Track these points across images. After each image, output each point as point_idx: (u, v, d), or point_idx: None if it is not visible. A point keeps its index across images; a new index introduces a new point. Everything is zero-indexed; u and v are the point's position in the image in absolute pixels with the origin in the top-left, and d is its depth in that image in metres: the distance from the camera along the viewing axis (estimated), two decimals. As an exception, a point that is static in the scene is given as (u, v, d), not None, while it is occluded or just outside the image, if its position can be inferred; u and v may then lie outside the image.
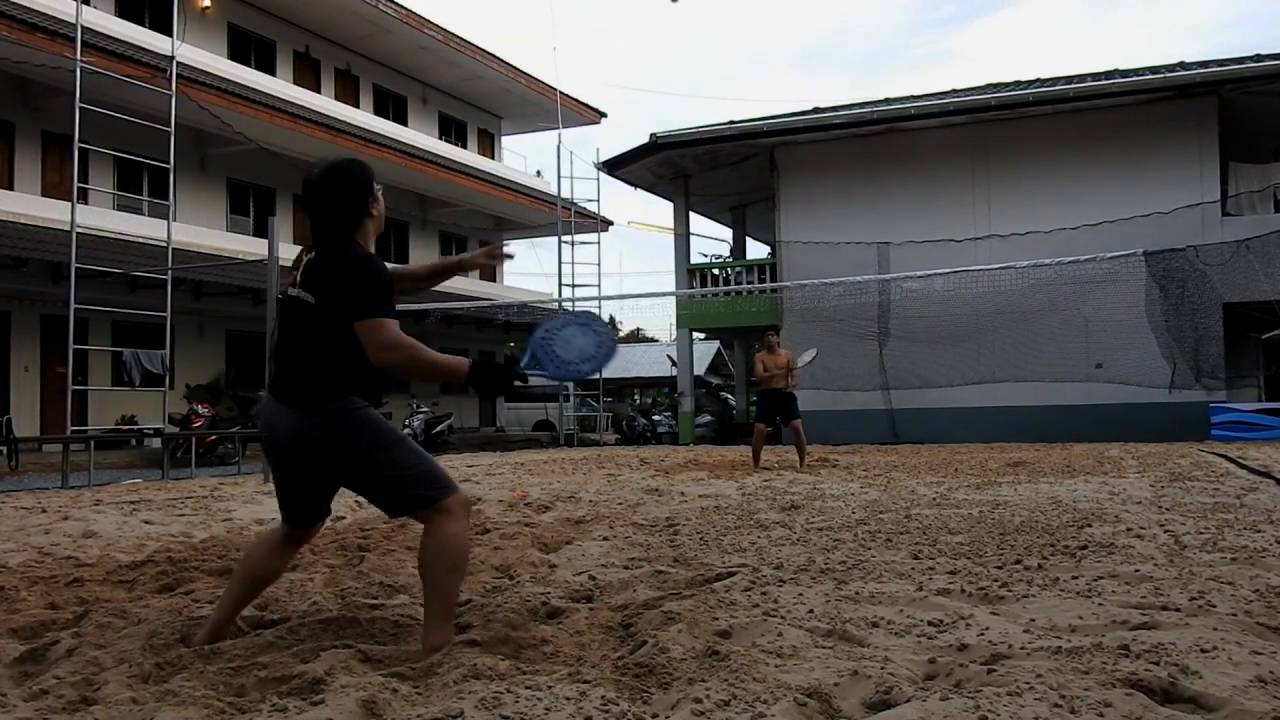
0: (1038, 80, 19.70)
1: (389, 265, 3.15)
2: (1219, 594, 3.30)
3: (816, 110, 20.53)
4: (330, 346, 2.79)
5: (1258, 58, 17.27)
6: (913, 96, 20.11)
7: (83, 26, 12.47)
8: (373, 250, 2.94)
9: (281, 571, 3.15)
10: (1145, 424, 16.27)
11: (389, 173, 23.55)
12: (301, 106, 21.32)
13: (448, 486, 2.85)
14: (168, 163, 13.15)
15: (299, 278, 2.87)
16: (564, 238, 23.17)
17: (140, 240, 16.49)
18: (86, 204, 16.26)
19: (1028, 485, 7.90)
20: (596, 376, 23.65)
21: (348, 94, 25.33)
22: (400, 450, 2.83)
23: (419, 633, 2.98)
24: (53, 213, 16.16)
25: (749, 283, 20.54)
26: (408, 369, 2.78)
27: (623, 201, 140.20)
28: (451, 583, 2.83)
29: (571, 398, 24.22)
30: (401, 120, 26.71)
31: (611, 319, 41.02)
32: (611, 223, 29.07)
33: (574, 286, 23.15)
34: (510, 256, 3.62)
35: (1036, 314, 16.87)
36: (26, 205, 16.48)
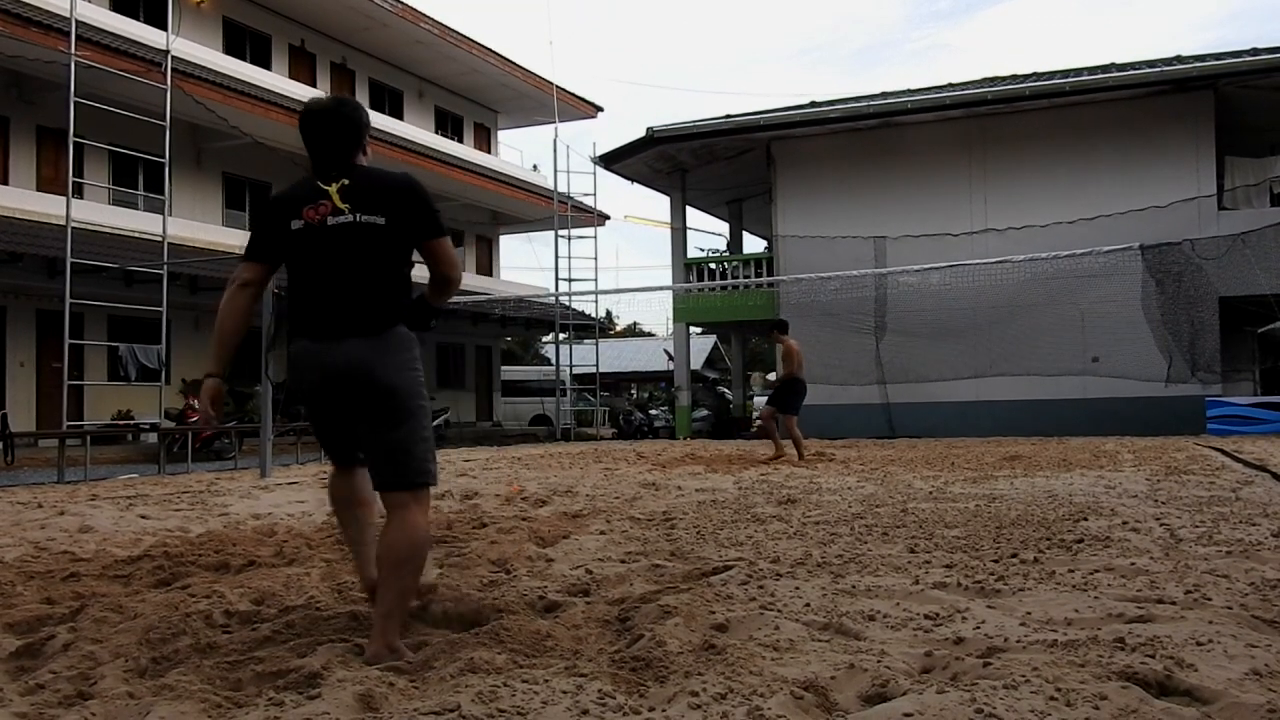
0: (1034, 74, 19.70)
1: None
2: (1214, 587, 3.31)
3: (813, 104, 20.51)
4: (397, 270, 2.84)
5: (1254, 51, 17.26)
6: (909, 90, 20.10)
7: (77, 20, 12.44)
8: None
9: (364, 486, 3.02)
10: (1141, 418, 16.29)
11: (385, 167, 23.45)
12: (297, 100, 21.21)
13: (436, 474, 2.86)
14: (163, 157, 13.13)
15: (341, 204, 2.78)
16: (561, 232, 23.15)
17: (136, 235, 16.45)
18: (82, 199, 16.23)
19: (1024, 479, 7.92)
20: (594, 370, 23.67)
21: (343, 88, 25.24)
22: (427, 415, 2.85)
23: (414, 626, 2.98)
24: (48, 207, 16.11)
25: (746, 277, 20.54)
26: (459, 284, 2.98)
27: (620, 196, 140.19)
28: (416, 580, 2.82)
29: (569, 392, 24.22)
30: (397, 114, 26.64)
31: (608, 313, 41.10)
32: (608, 217, 29.06)
33: (571, 281, 23.18)
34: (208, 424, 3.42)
35: (1033, 308, 16.89)
36: (21, 200, 16.43)
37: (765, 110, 20.53)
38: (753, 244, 26.56)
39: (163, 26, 15.19)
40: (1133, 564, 3.80)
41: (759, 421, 11.39)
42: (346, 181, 2.83)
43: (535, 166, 31.35)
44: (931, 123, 18.76)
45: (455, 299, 20.24)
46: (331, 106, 2.97)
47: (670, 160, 21.53)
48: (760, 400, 11.40)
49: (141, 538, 5.33)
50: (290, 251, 2.85)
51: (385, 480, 2.80)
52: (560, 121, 24.87)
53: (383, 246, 2.79)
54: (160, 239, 13.17)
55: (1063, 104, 17.76)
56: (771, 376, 11.45)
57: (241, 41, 22.60)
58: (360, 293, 2.77)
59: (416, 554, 2.74)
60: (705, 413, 23.75)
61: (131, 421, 16.30)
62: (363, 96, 25.69)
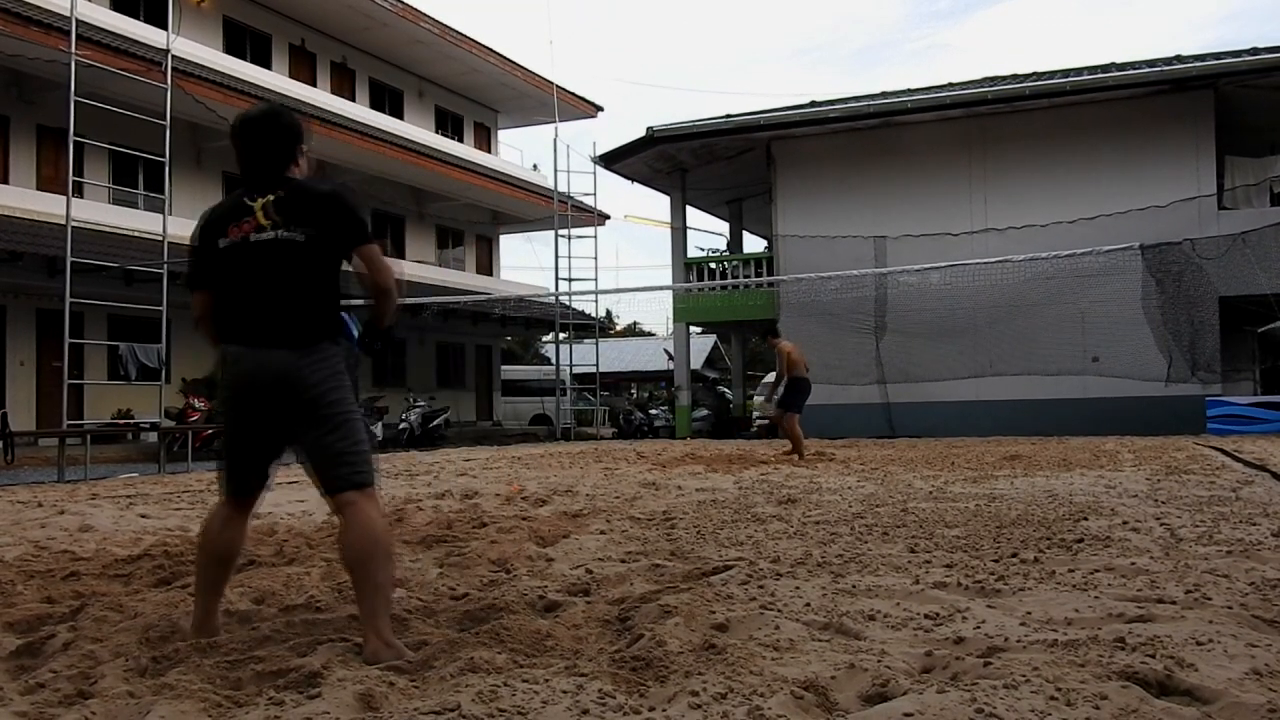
0: (1034, 74, 19.70)
1: None
2: (1215, 587, 3.31)
3: (813, 104, 20.51)
4: (322, 284, 2.84)
5: (1254, 51, 17.26)
6: (909, 90, 20.09)
7: (77, 20, 12.42)
8: None
9: (241, 545, 3.03)
10: (1141, 417, 16.29)
11: (385, 166, 23.52)
12: (297, 100, 21.22)
13: (375, 472, 2.88)
14: (163, 156, 13.11)
15: (265, 220, 2.81)
16: (561, 231, 23.14)
17: (136, 234, 16.44)
18: (82, 198, 16.22)
19: (1024, 479, 7.92)
20: (595, 369, 23.68)
21: (343, 87, 25.25)
22: (360, 423, 2.87)
23: (415, 626, 2.99)
24: (48, 206, 16.10)
25: (746, 277, 20.54)
26: (396, 291, 2.93)
27: (620, 195, 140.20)
28: (388, 571, 2.81)
29: (569, 392, 24.22)
30: (398, 114, 26.64)
31: (608, 313, 41.09)
32: (608, 216, 29.05)
33: (571, 280, 23.18)
34: None
35: (1033, 307, 16.89)
36: (21, 199, 16.43)
37: (765, 110, 20.53)
38: (753, 244, 26.56)
39: (163, 26, 15.17)
40: (1133, 564, 3.80)
41: (759, 423, 11.43)
42: (273, 196, 2.85)
43: (535, 166, 31.38)
44: (931, 122, 18.75)
45: (455, 299, 20.08)
46: (265, 116, 2.99)
47: (670, 160, 21.53)
48: (759, 399, 11.44)
49: (141, 537, 5.33)
50: (219, 268, 2.89)
51: (331, 483, 2.81)
52: (560, 121, 24.89)
53: (307, 261, 2.81)
54: (160, 238, 13.15)
55: (1062, 104, 17.76)
56: (769, 378, 11.43)
57: (242, 41, 22.60)
58: (286, 307, 2.81)
59: (378, 547, 2.75)
60: (705, 412, 23.74)
61: (131, 421, 16.29)
62: (363, 96, 25.70)
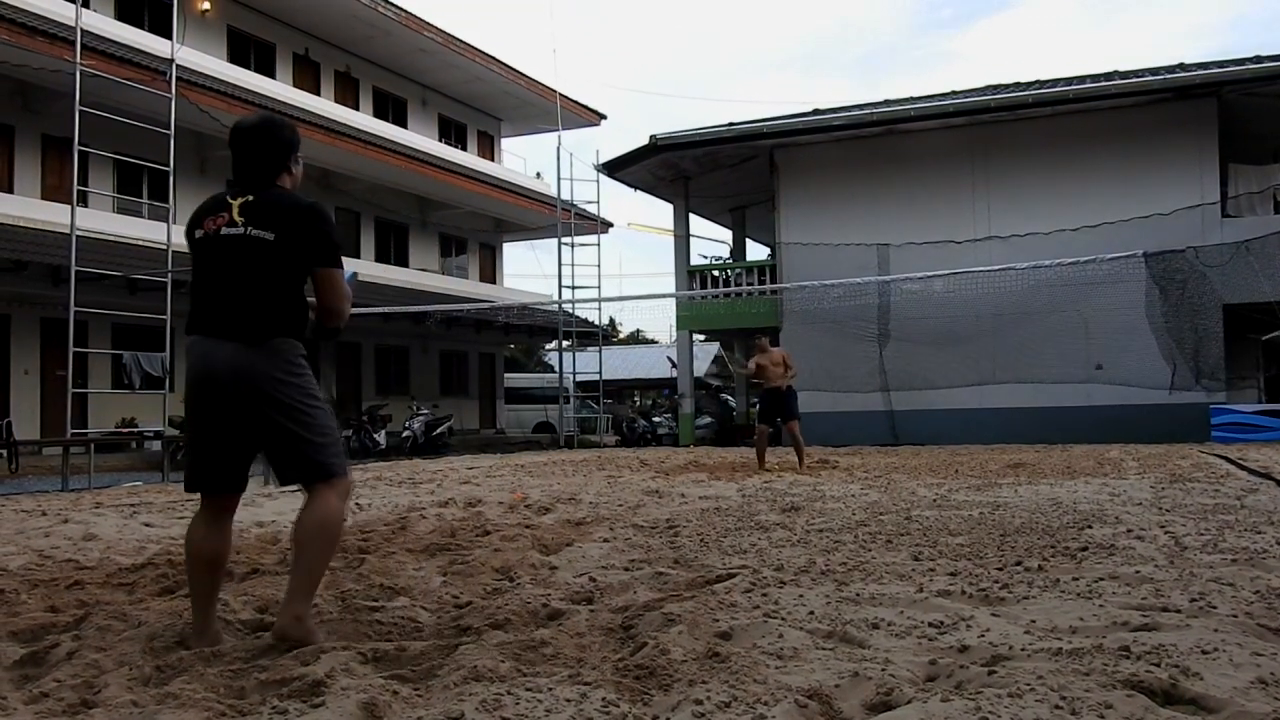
0: (1037, 82, 19.70)
1: None
2: (1220, 595, 3.30)
3: (816, 112, 20.52)
4: (282, 284, 2.88)
5: (1257, 59, 17.28)
6: (913, 98, 20.10)
7: (82, 29, 12.47)
8: None
9: (227, 551, 3.07)
10: (1145, 425, 16.25)
11: (389, 175, 23.57)
12: (301, 109, 21.31)
13: (345, 464, 2.94)
14: (167, 165, 13.15)
15: (237, 217, 2.90)
16: (564, 239, 23.15)
17: (140, 243, 16.48)
18: (86, 207, 16.27)
19: (1028, 487, 7.90)
20: (598, 377, 23.68)
21: (347, 96, 25.33)
22: (323, 414, 2.92)
23: (419, 634, 2.98)
24: (52, 215, 16.16)
25: (749, 284, 20.54)
26: (346, 316, 3.02)
27: (623, 203, 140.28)
28: (325, 559, 2.91)
29: (572, 400, 24.21)
30: (401, 122, 26.71)
31: (611, 321, 41.06)
32: (611, 224, 29.08)
33: (574, 288, 23.16)
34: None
35: (1036, 315, 16.87)
36: (26, 208, 16.48)
37: (768, 118, 20.57)
38: (756, 251, 26.57)
39: (167, 35, 15.22)
40: (1137, 572, 3.79)
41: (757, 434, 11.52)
42: (251, 198, 2.94)
43: (539, 174, 31.42)
44: (934, 130, 18.77)
45: (458, 307, 20.12)
46: (258, 125, 3.08)
47: (673, 168, 21.55)
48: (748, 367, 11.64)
49: (145, 546, 5.34)
50: (193, 259, 2.99)
51: (297, 476, 2.91)
52: (563, 129, 24.90)
53: (268, 260, 2.87)
54: (164, 247, 13.18)
55: (1065, 112, 17.76)
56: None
57: (246, 50, 22.68)
58: (243, 301, 2.88)
59: (323, 532, 2.85)
60: (708, 420, 23.74)
61: (135, 429, 16.31)
62: (367, 105, 25.78)
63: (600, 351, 24.88)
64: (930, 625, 2.98)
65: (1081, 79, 19.15)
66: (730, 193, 23.18)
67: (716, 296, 20.96)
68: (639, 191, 23.37)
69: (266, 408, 2.82)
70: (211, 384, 2.85)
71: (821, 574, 3.94)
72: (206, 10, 21.30)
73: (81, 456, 11.68)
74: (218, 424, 2.88)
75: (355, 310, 3.16)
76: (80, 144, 12.15)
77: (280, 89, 21.78)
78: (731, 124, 20.61)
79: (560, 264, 22.99)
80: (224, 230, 2.90)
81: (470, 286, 27.50)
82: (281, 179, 3.04)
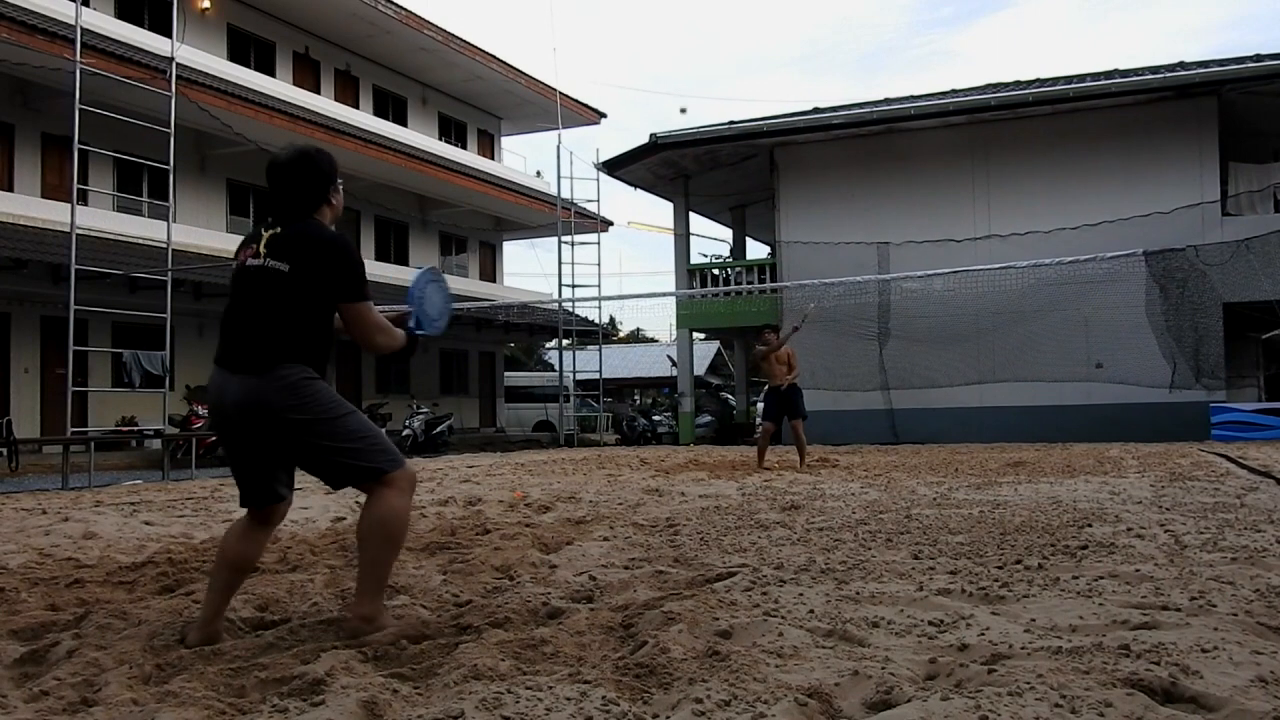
0: (1037, 80, 19.70)
1: None
2: (1219, 594, 3.30)
3: (816, 110, 20.53)
4: (296, 316, 2.87)
5: (1257, 58, 17.27)
6: (913, 96, 20.10)
7: (82, 28, 12.46)
8: None
9: (258, 556, 3.15)
10: (1145, 424, 16.27)
11: (389, 173, 23.55)
12: (301, 108, 21.31)
13: (395, 460, 2.93)
14: (167, 164, 13.15)
15: (263, 249, 2.90)
16: (564, 238, 23.16)
17: (140, 241, 16.48)
18: (86, 205, 16.27)
19: (1028, 485, 7.90)
20: (598, 375, 23.69)
21: (347, 95, 25.32)
22: (352, 420, 2.91)
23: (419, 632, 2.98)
24: (52, 214, 16.16)
25: (749, 283, 20.54)
26: (388, 348, 3.02)
27: (623, 202, 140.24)
28: (387, 557, 2.91)
29: (572, 398, 24.21)
30: (401, 121, 26.70)
31: (611, 320, 41.14)
32: (611, 223, 29.08)
33: (574, 287, 23.17)
34: None
35: (1036, 314, 16.88)
36: (26, 207, 16.48)
37: (768, 116, 20.57)
38: (756, 250, 26.57)
39: (167, 34, 15.22)
40: (1137, 570, 3.79)
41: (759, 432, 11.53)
42: (279, 230, 2.93)
43: (539, 173, 31.42)
44: (935, 129, 18.77)
45: (458, 306, 20.11)
46: (291, 160, 3.03)
47: (673, 166, 21.56)
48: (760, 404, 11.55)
49: (145, 544, 5.33)
50: (229, 290, 3.04)
51: (344, 483, 2.97)
52: (563, 128, 24.91)
53: (281, 291, 2.87)
54: (164, 245, 13.18)
55: (1066, 110, 17.76)
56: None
57: (246, 48, 22.67)
58: (252, 332, 2.89)
59: (380, 529, 2.86)
60: (708, 418, 23.75)
61: (135, 428, 16.31)
62: (366, 103, 25.77)
63: (600, 350, 24.89)
64: (930, 624, 2.98)
65: (1082, 78, 19.15)
66: (730, 191, 23.19)
67: (716, 295, 20.96)
68: (639, 190, 23.39)
69: (285, 433, 2.84)
70: (226, 418, 2.90)
71: (821, 572, 3.94)
72: (206, 9, 21.28)
73: (81, 455, 11.68)
74: (242, 451, 2.94)
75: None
76: (80, 142, 12.14)
77: (280, 87, 21.77)
78: (732, 122, 20.61)
79: (560, 262, 23.02)
80: (249, 262, 2.92)
81: (470, 285, 27.50)
82: (321, 211, 3.03)
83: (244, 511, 3.07)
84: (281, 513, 3.09)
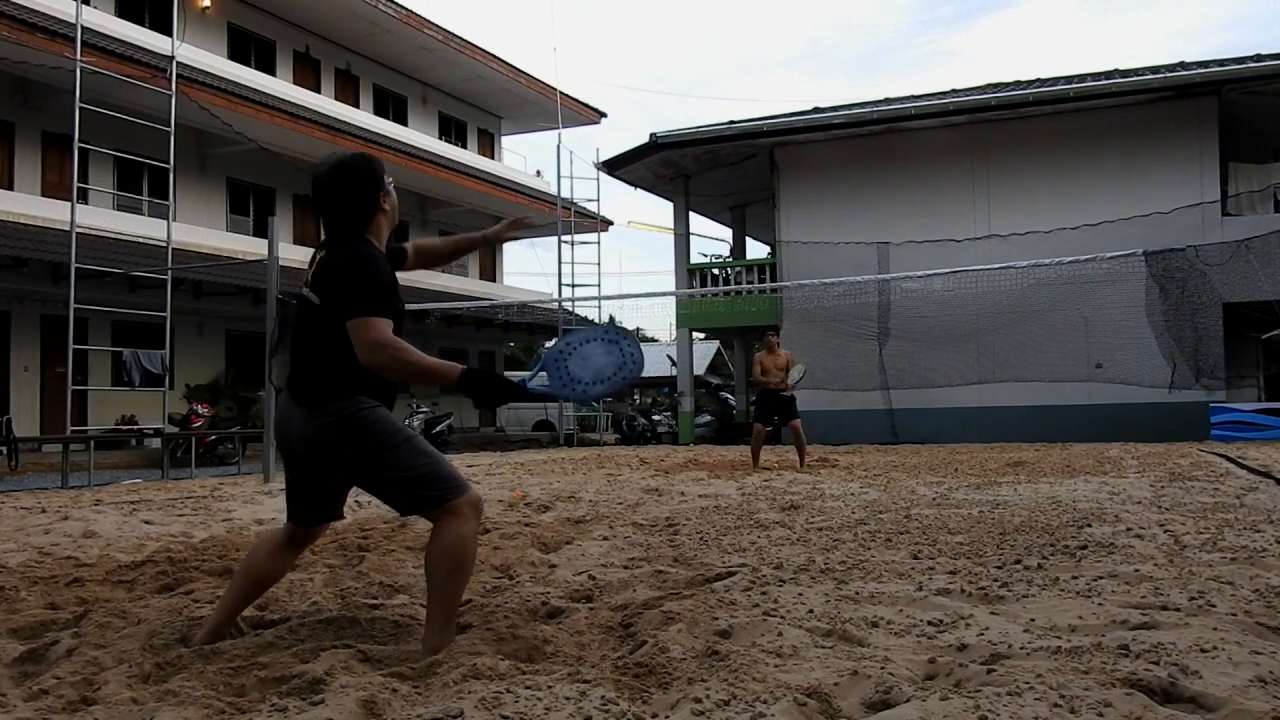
0: (1038, 80, 19.71)
1: (414, 241, 3.17)
2: (1219, 594, 3.30)
3: (816, 110, 20.53)
4: (335, 347, 2.74)
5: (1258, 58, 17.27)
6: (913, 96, 20.10)
7: (83, 26, 12.46)
8: (384, 245, 2.94)
9: (284, 573, 3.13)
10: (1145, 424, 16.27)
11: (389, 172, 23.51)
12: (301, 106, 21.32)
13: (457, 487, 2.81)
14: (168, 162, 13.16)
15: (309, 276, 2.85)
16: (564, 237, 23.16)
17: (140, 240, 16.48)
18: (86, 204, 16.27)
19: (1027, 485, 7.90)
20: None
21: (348, 94, 25.33)
22: (408, 449, 2.80)
23: (419, 633, 2.98)
24: (52, 212, 16.16)
25: (749, 282, 20.54)
26: (393, 370, 2.66)
27: (623, 201, 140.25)
28: (454, 586, 2.78)
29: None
30: (401, 120, 26.71)
31: (611, 319, 40.98)
32: (611, 222, 29.09)
33: (574, 286, 23.17)
34: (529, 224, 3.60)
35: (1036, 314, 16.87)
36: (26, 205, 16.48)
37: (769, 116, 20.57)
38: (756, 249, 26.57)
39: (168, 32, 15.23)
40: (1137, 570, 3.79)
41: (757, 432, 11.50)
42: (324, 254, 2.84)
43: (539, 172, 31.43)
44: (935, 129, 18.76)
45: (457, 305, 20.03)
46: (330, 174, 2.85)
47: (673, 166, 21.55)
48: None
49: (145, 543, 5.34)
50: None
51: (408, 511, 2.90)
52: (564, 127, 24.92)
53: (320, 325, 2.79)
54: (165, 244, 13.19)
55: (1066, 110, 17.76)
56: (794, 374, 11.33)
57: (246, 47, 22.68)
58: (304, 364, 2.84)
59: (445, 560, 2.75)
60: (708, 418, 23.73)
61: (135, 427, 16.32)
62: (367, 102, 25.77)
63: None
64: (929, 624, 2.98)
65: (1082, 77, 19.15)
66: (730, 191, 23.18)
67: (716, 295, 20.96)
68: (639, 189, 23.38)
69: (344, 466, 2.81)
70: (292, 447, 2.88)
71: (821, 572, 3.94)
72: (207, 7, 21.29)
73: (81, 454, 11.68)
74: (303, 476, 2.92)
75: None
76: (80, 141, 12.15)
77: (281, 86, 21.78)
78: (732, 122, 20.61)
79: (560, 262, 23.03)
80: (302, 289, 2.87)
81: (470, 284, 27.51)
82: (374, 222, 2.86)
83: (280, 523, 3.04)
84: (320, 533, 3.07)
